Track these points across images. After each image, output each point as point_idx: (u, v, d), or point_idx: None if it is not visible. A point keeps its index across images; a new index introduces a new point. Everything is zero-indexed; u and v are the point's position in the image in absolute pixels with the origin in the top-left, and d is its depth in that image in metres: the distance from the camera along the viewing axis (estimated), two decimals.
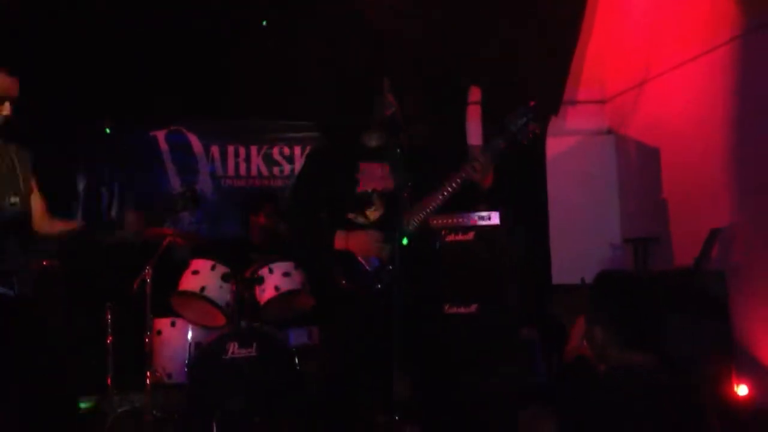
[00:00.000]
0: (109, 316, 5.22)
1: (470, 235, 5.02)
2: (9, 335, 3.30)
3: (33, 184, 3.56)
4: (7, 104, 3.38)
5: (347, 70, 3.95)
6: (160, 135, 6.68)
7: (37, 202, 3.57)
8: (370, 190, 3.60)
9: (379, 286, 3.54)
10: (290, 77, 6.29)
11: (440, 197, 3.54)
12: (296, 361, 4.79)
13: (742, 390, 4.72)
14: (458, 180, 3.50)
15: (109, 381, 5.21)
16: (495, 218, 5.04)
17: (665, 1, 5.83)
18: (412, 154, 3.48)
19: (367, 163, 3.62)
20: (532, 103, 3.47)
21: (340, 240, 3.54)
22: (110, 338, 5.22)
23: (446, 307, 4.87)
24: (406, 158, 3.41)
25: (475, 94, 6.54)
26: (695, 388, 3.32)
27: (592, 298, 3.24)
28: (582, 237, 6.26)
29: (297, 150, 6.75)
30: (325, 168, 3.63)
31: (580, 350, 4.92)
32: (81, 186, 6.40)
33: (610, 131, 6.50)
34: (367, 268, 3.56)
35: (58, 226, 3.54)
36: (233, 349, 4.73)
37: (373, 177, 3.61)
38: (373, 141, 3.67)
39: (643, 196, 6.05)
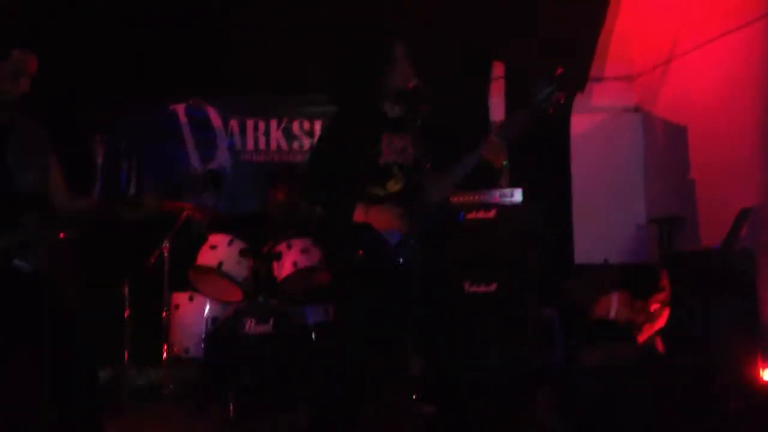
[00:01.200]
0: (127, 290, 5.19)
1: (492, 213, 4.98)
2: (26, 309, 3.24)
3: (52, 160, 3.50)
4: (25, 80, 3.31)
5: (365, 36, 3.81)
6: (180, 108, 6.61)
7: (57, 179, 3.52)
8: (391, 162, 3.50)
9: (401, 260, 3.45)
10: (310, 49, 6.18)
11: (456, 174, 3.45)
12: (313, 338, 4.75)
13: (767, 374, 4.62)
14: (471, 159, 3.40)
15: (126, 354, 5.20)
16: (517, 195, 4.99)
17: None
18: (434, 126, 3.39)
19: (388, 134, 3.52)
20: (558, 71, 3.34)
21: (360, 213, 3.45)
22: (127, 311, 5.20)
23: (466, 286, 4.79)
24: (427, 130, 3.31)
25: (498, 69, 6.42)
26: (717, 371, 3.26)
27: None
28: (606, 216, 6.20)
29: (317, 124, 6.65)
30: (345, 139, 3.53)
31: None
32: (100, 159, 6.34)
33: (637, 108, 6.40)
34: (389, 241, 3.47)
35: (79, 204, 3.48)
36: (250, 325, 4.70)
37: (394, 149, 3.51)
38: (394, 111, 3.58)
39: (670, 175, 5.97)
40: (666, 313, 4.78)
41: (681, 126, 5.79)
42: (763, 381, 4.58)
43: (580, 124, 6.27)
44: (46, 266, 3.37)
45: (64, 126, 5.78)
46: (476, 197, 4.94)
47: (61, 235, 4.90)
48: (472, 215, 4.96)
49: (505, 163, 3.44)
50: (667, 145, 6.01)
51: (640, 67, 6.38)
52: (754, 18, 4.97)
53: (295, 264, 4.98)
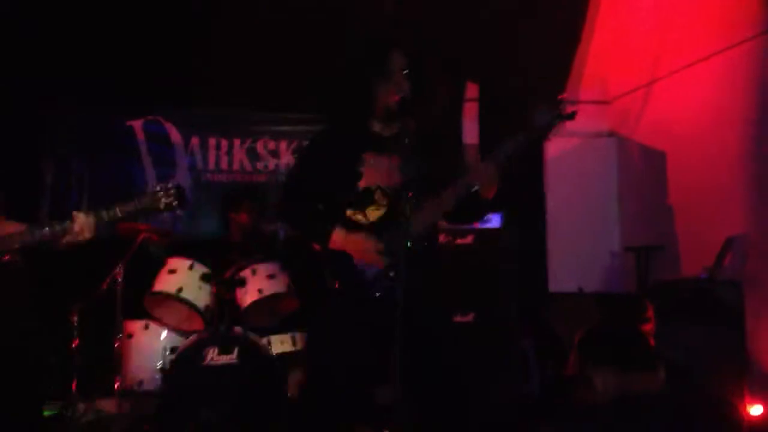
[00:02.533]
0: (76, 317, 4.85)
1: (469, 239, 4.88)
2: None
3: None
4: None
5: (357, 44, 3.56)
6: (137, 124, 6.31)
7: None
8: (373, 186, 3.23)
9: (378, 294, 3.19)
10: (279, 64, 5.96)
11: (442, 204, 3.19)
12: (279, 369, 4.51)
13: (756, 410, 4.46)
14: (460, 190, 3.14)
15: (74, 387, 4.84)
16: (496, 221, 4.84)
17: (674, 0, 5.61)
18: (421, 144, 3.13)
19: (374, 154, 3.26)
20: (561, 96, 3.13)
21: (338, 239, 3.18)
22: (76, 341, 4.86)
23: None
24: (413, 149, 3.06)
25: (472, 90, 6.26)
26: (702, 405, 3.07)
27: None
28: (581, 243, 6.07)
29: (283, 145, 6.43)
30: (326, 156, 3.27)
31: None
32: (48, 178, 6.01)
33: (612, 133, 6.31)
34: (366, 273, 3.20)
35: (7, 229, 3.14)
36: (212, 355, 4.42)
37: (379, 170, 3.25)
38: (385, 130, 3.32)
39: (646, 202, 5.89)
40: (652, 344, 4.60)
41: (659, 151, 5.71)
42: (750, 416, 4.42)
43: (554, 148, 6.15)
44: None
45: (7, 141, 5.48)
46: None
47: (6, 257, 4.55)
48: (449, 241, 4.76)
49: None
50: (644, 170, 5.93)
51: (616, 90, 6.31)
52: (737, 41, 4.91)
53: (260, 291, 4.72)
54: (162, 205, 3.29)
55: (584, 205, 6.13)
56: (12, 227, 3.15)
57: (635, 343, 3.01)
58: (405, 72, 3.19)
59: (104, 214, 3.15)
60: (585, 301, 5.50)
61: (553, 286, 6.02)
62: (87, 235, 3.09)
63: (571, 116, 3.13)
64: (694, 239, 5.27)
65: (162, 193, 3.30)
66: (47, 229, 3.07)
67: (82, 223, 3.05)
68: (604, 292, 5.75)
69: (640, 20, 6.00)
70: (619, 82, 6.24)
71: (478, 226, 4.90)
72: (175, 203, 3.35)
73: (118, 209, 3.17)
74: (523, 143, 3.13)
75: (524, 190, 5.98)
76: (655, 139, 5.78)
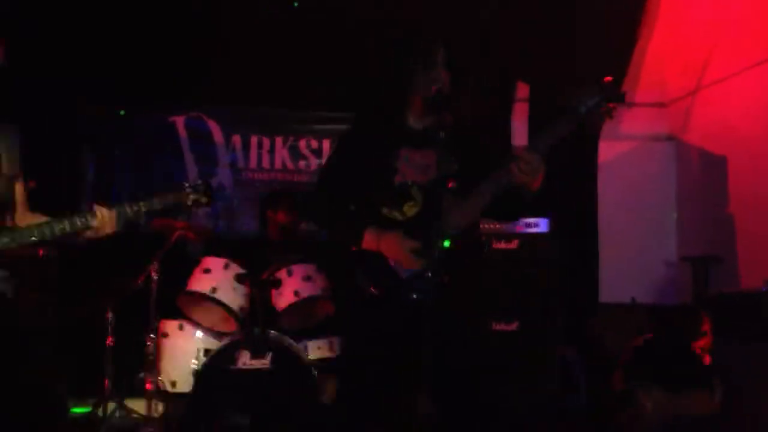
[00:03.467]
0: (110, 315, 4.78)
1: (514, 243, 4.74)
2: None
3: (18, 168, 3.10)
4: None
5: (400, 38, 3.41)
6: (179, 120, 6.26)
7: (21, 190, 3.11)
8: (409, 182, 3.06)
9: (414, 296, 3.01)
10: (320, 63, 5.88)
11: (482, 199, 2.99)
12: (314, 375, 4.37)
13: None
14: (500, 182, 2.94)
15: (106, 386, 4.77)
16: (543, 225, 4.71)
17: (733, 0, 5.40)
18: (459, 139, 2.95)
19: (410, 149, 3.10)
20: (607, 79, 2.89)
21: (371, 239, 3.02)
22: (110, 339, 4.78)
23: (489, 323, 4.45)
24: (451, 144, 2.88)
25: (522, 90, 6.07)
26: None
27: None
28: (634, 252, 5.91)
29: (326, 143, 6.33)
30: (359, 152, 3.12)
31: None
32: (90, 173, 5.98)
33: (670, 137, 6.11)
34: (401, 274, 3.03)
35: (32, 220, 3.05)
36: (244, 359, 4.30)
37: (415, 166, 3.09)
38: (418, 123, 3.15)
39: (705, 210, 5.75)
40: (708, 361, 4.36)
41: (719, 156, 5.50)
42: None
43: (608, 152, 5.99)
44: (7, 289, 2.97)
45: (50, 137, 5.47)
46: (498, 225, 4.60)
47: (40, 252, 4.51)
48: (493, 245, 4.62)
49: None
50: (703, 176, 5.74)
51: (674, 93, 6.13)
52: None
53: (296, 293, 4.59)
54: (189, 202, 3.21)
55: (639, 211, 5.96)
56: (33, 219, 3.05)
57: (687, 361, 2.77)
58: (444, 63, 3.02)
59: (127, 209, 3.05)
60: (637, 312, 5.38)
61: (604, 296, 5.86)
62: (108, 230, 2.99)
63: (621, 98, 2.88)
64: (754, 250, 5.12)
65: (190, 189, 3.21)
66: (67, 222, 2.96)
67: (103, 218, 2.95)
68: (658, 304, 5.58)
69: (698, 21, 5.84)
70: (676, 84, 6.07)
71: (525, 230, 4.75)
72: (203, 200, 3.25)
73: (142, 204, 3.08)
74: (566, 129, 2.90)
75: (575, 194, 5.85)
76: (715, 143, 5.58)
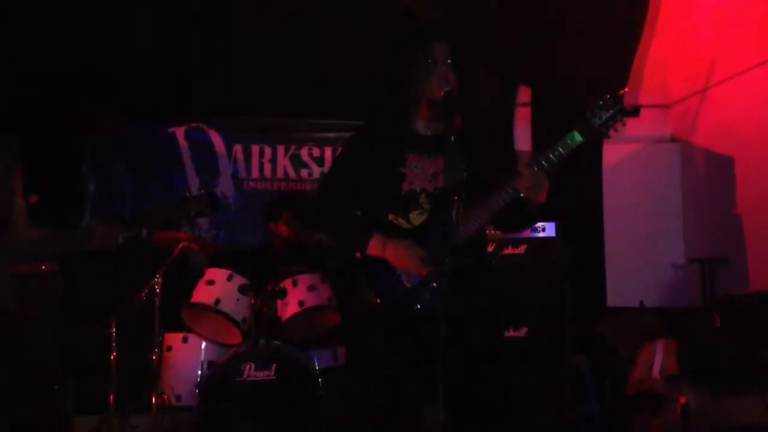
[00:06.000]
0: (114, 329, 4.72)
1: (522, 249, 4.70)
2: None
3: (18, 182, 3.07)
4: None
5: (398, 36, 3.35)
6: (180, 131, 6.21)
7: (20, 204, 3.08)
8: (417, 189, 3.01)
9: (419, 306, 2.96)
10: (321, 71, 5.84)
11: (490, 209, 2.94)
12: (319, 386, 4.34)
13: None
14: (505, 196, 2.89)
15: (111, 401, 4.71)
16: (550, 230, 4.66)
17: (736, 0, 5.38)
18: (467, 144, 2.90)
19: (417, 155, 3.04)
20: (622, 92, 2.85)
21: (377, 246, 2.96)
22: (114, 354, 4.73)
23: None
24: (460, 149, 2.83)
25: (524, 94, 6.02)
26: None
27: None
28: (641, 255, 5.85)
29: (328, 151, 6.29)
30: (365, 158, 3.07)
31: (647, 384, 4.42)
32: (91, 185, 5.94)
33: (674, 138, 6.04)
34: (406, 283, 2.98)
35: (31, 234, 3.02)
36: (249, 370, 4.27)
37: (423, 173, 3.03)
38: (425, 128, 3.09)
39: (712, 211, 5.62)
40: None
41: (725, 157, 5.43)
42: None
43: (613, 154, 5.91)
44: (8, 302, 2.94)
45: (49, 149, 5.44)
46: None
47: (42, 267, 4.47)
48: (500, 251, 4.59)
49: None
50: (708, 177, 5.66)
51: (677, 94, 6.03)
52: None
53: (300, 303, 4.57)
54: (192, 213, 3.18)
55: (645, 214, 5.91)
56: (34, 233, 3.02)
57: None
58: (449, 62, 2.96)
59: (129, 222, 3.04)
60: (646, 316, 5.30)
61: (612, 300, 5.79)
62: (107, 245, 2.96)
63: (635, 112, 2.85)
64: (763, 250, 5.00)
65: (192, 200, 3.18)
66: (70, 238, 2.95)
67: (103, 233, 2.93)
68: (666, 307, 5.51)
69: (700, 21, 5.76)
70: (680, 86, 5.98)
71: (531, 235, 4.71)
72: (206, 210, 3.23)
73: (144, 217, 3.06)
74: (579, 142, 2.86)
75: (581, 199, 5.82)
76: (720, 144, 5.51)
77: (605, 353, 5.27)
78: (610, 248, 5.86)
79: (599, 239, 5.87)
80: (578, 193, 5.75)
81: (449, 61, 2.98)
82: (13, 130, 3.16)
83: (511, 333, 4.56)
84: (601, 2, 5.63)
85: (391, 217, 3.03)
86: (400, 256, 2.95)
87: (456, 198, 2.89)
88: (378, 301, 3.00)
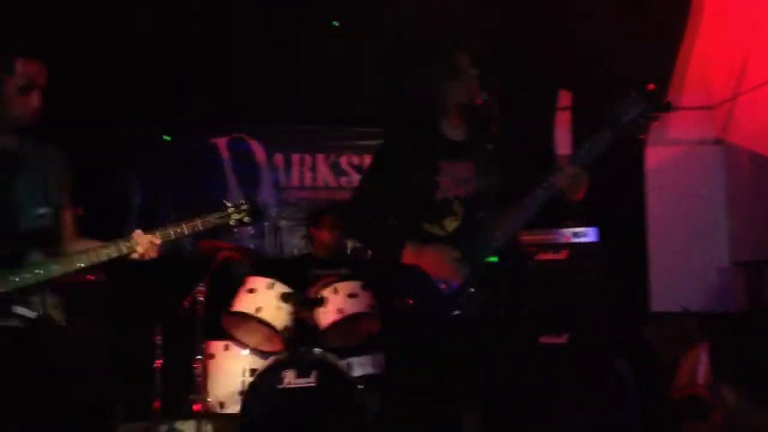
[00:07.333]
0: (158, 337, 4.80)
1: (563, 254, 4.65)
2: (29, 364, 2.88)
3: (67, 194, 3.14)
4: (35, 94, 2.97)
5: (425, 48, 3.37)
6: (221, 142, 6.31)
7: (68, 216, 3.16)
8: (451, 197, 3.02)
9: (456, 312, 2.96)
10: (360, 78, 5.88)
11: (525, 212, 2.93)
12: (359, 393, 4.34)
13: None
14: (543, 192, 2.88)
15: (156, 407, 4.79)
16: (591, 235, 4.60)
17: None
18: (503, 152, 2.90)
19: (449, 162, 3.06)
20: (650, 86, 2.83)
21: (411, 253, 2.98)
22: (159, 361, 4.80)
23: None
24: (495, 156, 2.83)
25: (564, 98, 5.98)
26: None
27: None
28: (685, 259, 5.74)
29: (367, 159, 6.30)
30: (397, 167, 3.09)
31: (691, 389, 4.35)
32: (137, 196, 6.05)
33: (718, 140, 5.93)
34: (443, 289, 2.99)
35: (80, 246, 3.08)
36: (290, 377, 4.30)
37: (455, 179, 3.04)
38: (456, 134, 3.10)
39: (758, 213, 5.49)
40: None
41: None
42: None
43: (656, 157, 5.84)
44: (55, 313, 3.01)
45: (95, 161, 5.54)
46: (546, 236, 4.56)
47: (89, 277, 4.56)
48: (541, 256, 4.55)
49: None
50: (753, 179, 5.56)
51: (720, 95, 5.92)
52: None
53: (340, 310, 4.57)
54: (232, 221, 3.21)
55: (689, 217, 5.80)
56: (81, 245, 3.08)
57: None
58: (473, 72, 2.98)
59: (171, 232, 3.07)
60: (690, 321, 5.17)
61: (656, 305, 5.71)
62: (153, 253, 3.01)
63: (666, 107, 2.82)
64: None
65: (232, 209, 3.22)
66: (112, 247, 3.00)
67: (144, 242, 2.98)
68: (711, 312, 5.39)
69: (743, 20, 5.64)
70: (723, 87, 5.87)
71: (573, 240, 4.65)
72: (246, 219, 3.26)
73: (185, 226, 3.10)
74: (609, 140, 2.85)
75: (623, 202, 5.75)
76: (766, 145, 5.38)
77: (649, 359, 5.21)
78: (654, 252, 5.78)
79: (642, 243, 5.79)
80: (621, 197, 5.69)
81: (471, 69, 3.00)
82: (59, 145, 3.22)
83: (552, 339, 4.51)
84: (642, 3, 5.57)
85: (425, 225, 3.04)
86: (435, 262, 2.97)
87: (489, 202, 2.91)
88: (415, 308, 3.02)
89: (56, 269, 2.96)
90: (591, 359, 4.53)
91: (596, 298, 4.70)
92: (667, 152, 5.84)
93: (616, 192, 5.56)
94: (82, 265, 3.00)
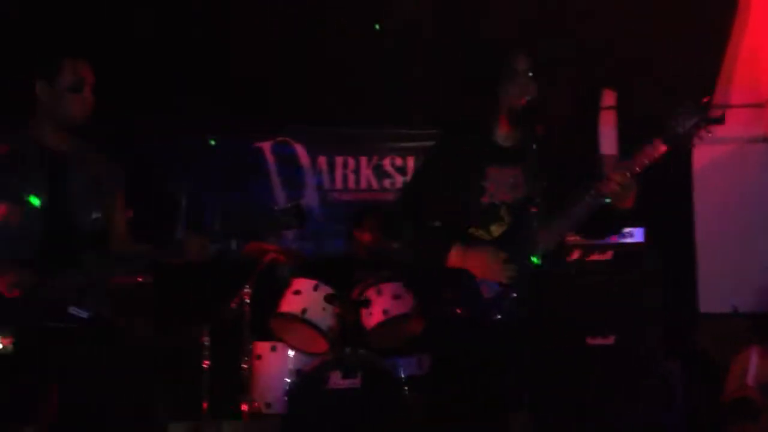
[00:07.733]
0: (207, 339, 4.86)
1: (609, 255, 4.64)
2: (83, 363, 2.94)
3: (119, 200, 3.21)
4: (87, 91, 3.04)
5: (480, 51, 3.38)
6: (266, 146, 6.35)
7: (120, 218, 3.22)
8: (498, 202, 3.03)
9: (499, 316, 2.96)
10: (405, 81, 5.91)
11: (573, 220, 2.92)
12: (405, 394, 4.35)
13: None
14: (591, 200, 2.86)
15: (204, 408, 4.85)
16: (638, 235, 4.59)
17: None
18: (549, 154, 2.89)
19: (497, 167, 3.06)
20: (706, 99, 2.81)
21: (456, 257, 2.99)
22: (207, 362, 4.85)
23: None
24: (541, 158, 2.83)
25: (609, 97, 5.94)
26: None
27: None
28: (734, 259, 5.67)
29: (410, 161, 6.33)
30: (446, 170, 3.11)
31: (741, 392, 4.29)
32: (184, 200, 6.13)
33: (767, 138, 5.86)
34: (486, 293, 2.99)
35: (137, 248, 3.15)
36: (336, 378, 4.33)
37: (503, 185, 3.05)
38: (506, 139, 3.10)
39: None
40: None
41: None
42: None
43: (704, 156, 5.76)
44: (106, 314, 3.07)
45: (143, 166, 5.65)
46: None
47: (138, 279, 4.65)
48: (586, 257, 4.52)
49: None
50: None
51: None
52: None
53: (385, 311, 4.59)
54: (279, 225, 3.25)
55: (738, 216, 5.74)
56: (131, 247, 3.15)
57: None
58: (530, 74, 2.98)
59: (219, 235, 3.13)
60: (740, 322, 5.18)
61: (705, 306, 5.66)
62: (200, 256, 3.06)
63: (720, 120, 2.79)
64: None
65: (279, 213, 3.25)
66: (162, 250, 3.06)
67: (194, 246, 3.03)
68: (761, 312, 5.32)
69: None
70: None
71: (619, 241, 4.63)
72: (293, 222, 3.29)
73: (232, 230, 3.15)
74: (660, 152, 2.82)
75: (670, 202, 5.71)
76: None
77: (699, 361, 5.15)
78: (702, 252, 5.73)
79: (690, 243, 5.74)
80: (668, 196, 5.63)
81: (528, 71, 2.99)
82: (116, 151, 3.30)
83: (599, 341, 4.48)
84: (689, 1, 5.51)
85: (471, 229, 3.05)
86: (481, 264, 2.97)
87: (536, 209, 2.90)
88: (459, 311, 3.02)
89: (109, 271, 3.03)
90: (637, 360, 4.51)
91: (643, 299, 4.68)
92: (715, 151, 5.76)
93: (664, 191, 5.50)
94: (134, 267, 3.07)
